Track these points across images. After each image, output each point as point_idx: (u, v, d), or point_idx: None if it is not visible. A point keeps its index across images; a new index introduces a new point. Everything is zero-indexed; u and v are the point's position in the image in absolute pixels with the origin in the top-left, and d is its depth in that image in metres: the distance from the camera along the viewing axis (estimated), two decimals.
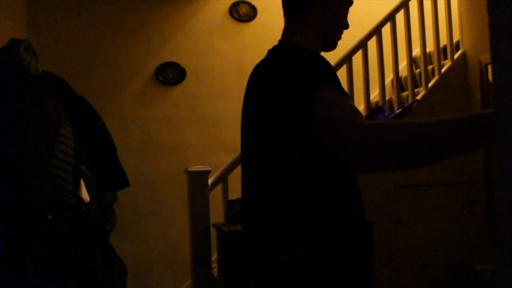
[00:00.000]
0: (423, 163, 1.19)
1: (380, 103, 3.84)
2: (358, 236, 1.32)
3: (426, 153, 1.11)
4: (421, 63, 4.06)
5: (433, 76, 4.14)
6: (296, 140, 1.24)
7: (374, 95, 4.55)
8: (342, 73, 3.71)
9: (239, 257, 1.47)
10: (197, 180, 3.23)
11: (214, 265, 3.44)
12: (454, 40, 4.26)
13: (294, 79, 1.25)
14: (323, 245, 1.26)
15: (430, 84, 4.03)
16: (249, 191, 1.42)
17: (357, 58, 3.80)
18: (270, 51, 1.43)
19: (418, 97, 3.95)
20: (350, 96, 3.70)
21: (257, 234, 1.36)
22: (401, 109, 1.51)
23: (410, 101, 3.95)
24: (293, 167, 1.26)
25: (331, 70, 1.27)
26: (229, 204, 3.22)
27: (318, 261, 1.25)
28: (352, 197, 1.32)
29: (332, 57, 3.92)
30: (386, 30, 3.92)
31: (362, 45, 3.81)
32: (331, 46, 1.46)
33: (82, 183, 2.05)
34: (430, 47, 4.40)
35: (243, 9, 4.64)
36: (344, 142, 1.13)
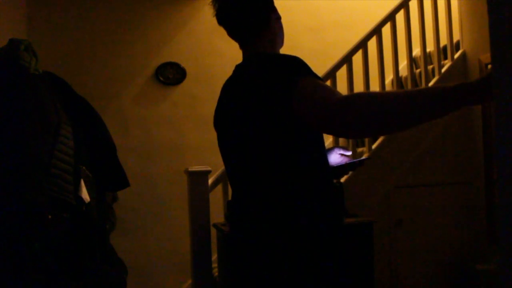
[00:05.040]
0: (393, 129, 1.37)
1: None
2: (338, 220, 1.47)
3: (394, 121, 1.23)
4: (421, 63, 4.06)
5: (433, 76, 4.14)
6: (283, 127, 1.34)
7: None
8: (342, 73, 3.72)
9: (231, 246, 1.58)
10: (197, 180, 3.23)
11: (214, 265, 3.44)
12: (454, 40, 4.26)
13: (276, 73, 1.36)
14: (306, 227, 1.35)
15: (430, 84, 4.03)
16: (235, 186, 1.52)
17: (357, 58, 3.79)
18: (238, 66, 1.54)
19: None
20: None
21: (248, 219, 1.45)
22: (353, 160, 1.64)
23: None
24: (272, 163, 1.37)
25: (306, 64, 1.39)
26: (229, 204, 3.21)
27: (302, 240, 1.35)
28: (329, 183, 1.45)
29: (332, 57, 3.94)
30: (386, 30, 3.92)
31: (362, 45, 3.81)
32: (283, 42, 1.62)
33: (82, 183, 2.05)
34: (430, 47, 4.40)
35: None
36: (323, 115, 1.27)
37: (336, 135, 1.37)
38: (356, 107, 1.22)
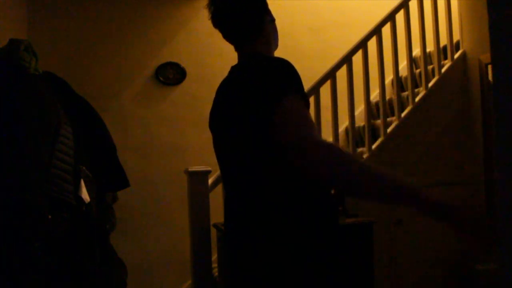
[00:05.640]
0: (350, 192, 1.39)
1: (380, 103, 3.84)
2: (328, 225, 1.44)
3: (355, 186, 1.28)
4: (421, 63, 4.06)
5: (433, 76, 4.14)
6: (261, 144, 1.37)
7: (374, 95, 4.55)
8: (342, 73, 3.72)
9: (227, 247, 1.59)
10: (197, 180, 3.23)
11: (214, 265, 3.44)
12: (454, 40, 4.26)
13: (265, 83, 1.37)
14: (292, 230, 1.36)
15: (430, 84, 4.03)
16: (228, 188, 1.55)
17: (357, 58, 3.80)
18: (233, 67, 1.56)
19: (418, 98, 3.95)
20: (350, 96, 3.69)
21: (238, 223, 1.48)
22: None
23: (410, 101, 3.95)
24: (260, 166, 1.39)
25: (293, 75, 1.39)
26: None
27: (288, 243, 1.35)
28: (316, 189, 1.44)
29: (332, 57, 3.94)
30: (386, 30, 3.92)
31: (362, 45, 3.81)
32: (277, 44, 1.65)
33: (82, 183, 2.05)
34: (430, 47, 4.40)
35: None
36: (297, 145, 1.28)
37: (299, 169, 1.36)
38: (333, 155, 1.25)
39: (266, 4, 1.58)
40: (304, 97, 1.37)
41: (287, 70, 1.38)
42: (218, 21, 1.56)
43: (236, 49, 1.60)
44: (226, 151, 1.53)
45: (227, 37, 1.59)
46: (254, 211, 1.40)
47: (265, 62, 1.45)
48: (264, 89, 1.35)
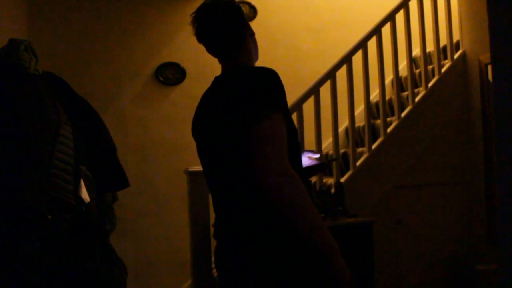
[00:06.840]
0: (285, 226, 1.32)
1: (380, 103, 3.85)
2: None
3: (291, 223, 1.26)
4: (421, 63, 4.06)
5: (433, 76, 4.14)
6: (236, 157, 1.41)
7: (374, 95, 4.55)
8: (342, 73, 3.72)
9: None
10: (197, 180, 3.23)
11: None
12: (454, 40, 4.26)
13: (238, 108, 1.42)
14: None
15: (430, 84, 4.03)
16: (214, 195, 1.61)
17: (357, 58, 3.80)
18: (216, 78, 1.66)
19: (418, 98, 3.96)
20: (350, 96, 3.69)
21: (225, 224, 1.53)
22: (319, 163, 1.78)
23: (410, 101, 3.95)
24: (237, 175, 1.42)
25: (275, 87, 1.43)
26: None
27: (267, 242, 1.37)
28: None
29: (332, 57, 3.94)
30: (386, 30, 3.92)
31: (362, 45, 3.81)
32: (257, 56, 1.76)
33: (82, 183, 2.05)
34: (430, 47, 4.40)
35: (243, 9, 4.64)
36: (261, 165, 1.29)
37: (247, 182, 1.36)
38: (289, 191, 1.25)
39: (245, 19, 1.68)
40: (284, 111, 1.40)
41: (268, 83, 1.42)
42: (202, 37, 1.68)
43: (220, 61, 1.70)
44: (208, 159, 1.62)
45: (211, 51, 1.70)
46: (234, 219, 1.44)
47: (247, 75, 1.50)
48: (242, 108, 1.39)
